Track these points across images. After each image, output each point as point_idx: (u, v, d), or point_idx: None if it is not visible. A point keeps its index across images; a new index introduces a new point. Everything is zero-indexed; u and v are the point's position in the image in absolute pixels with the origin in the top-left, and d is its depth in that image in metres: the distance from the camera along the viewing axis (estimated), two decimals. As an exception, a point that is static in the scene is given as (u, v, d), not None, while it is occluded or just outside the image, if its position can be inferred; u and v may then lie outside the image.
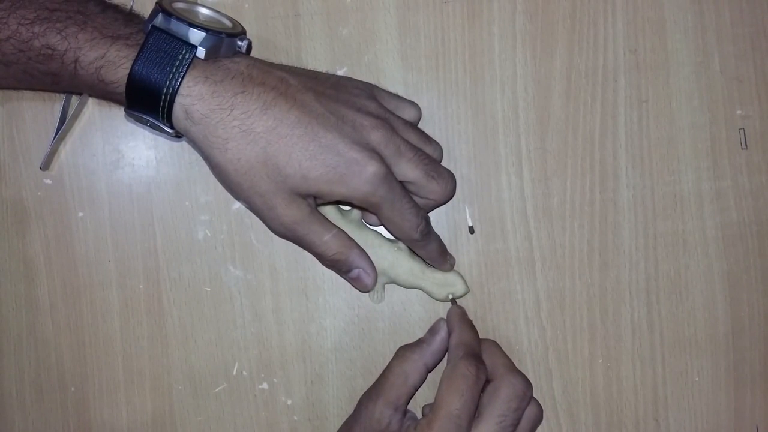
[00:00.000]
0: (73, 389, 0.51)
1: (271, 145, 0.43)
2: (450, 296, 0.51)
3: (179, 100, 0.42)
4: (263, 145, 0.43)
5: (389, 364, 0.48)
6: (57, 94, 0.50)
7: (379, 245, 0.50)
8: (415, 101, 0.52)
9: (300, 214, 0.45)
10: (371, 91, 0.48)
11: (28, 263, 0.51)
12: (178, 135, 0.45)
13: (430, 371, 0.48)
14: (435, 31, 0.52)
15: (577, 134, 0.53)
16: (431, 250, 0.49)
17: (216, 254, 0.51)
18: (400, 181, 0.46)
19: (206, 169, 0.51)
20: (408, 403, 0.47)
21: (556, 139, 0.53)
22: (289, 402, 0.51)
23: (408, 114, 0.50)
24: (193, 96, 0.42)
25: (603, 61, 0.53)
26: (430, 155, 0.48)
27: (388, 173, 0.44)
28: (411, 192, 0.47)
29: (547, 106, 0.53)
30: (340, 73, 0.52)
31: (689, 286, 0.53)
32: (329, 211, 0.50)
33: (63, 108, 0.50)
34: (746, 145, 0.53)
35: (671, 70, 0.53)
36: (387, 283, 0.51)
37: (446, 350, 0.48)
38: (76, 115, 0.51)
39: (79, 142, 0.51)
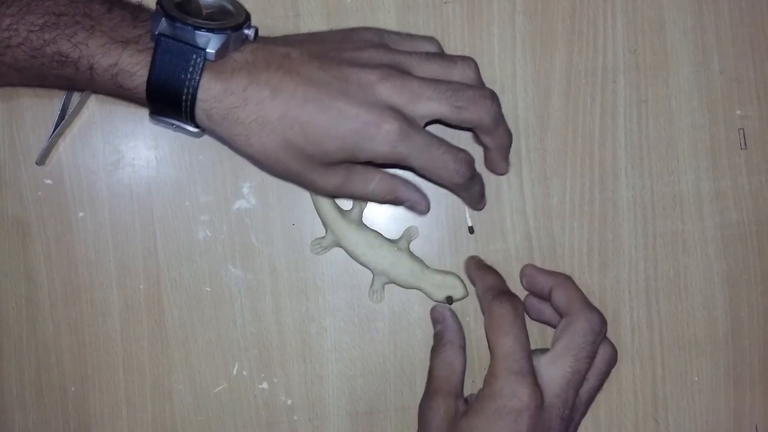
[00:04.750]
0: (73, 389, 0.51)
1: (288, 130, 0.43)
2: (448, 297, 0.51)
3: (199, 104, 0.43)
4: (281, 132, 0.43)
5: (430, 366, 0.49)
6: (58, 92, 0.50)
7: (379, 245, 0.50)
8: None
9: (338, 180, 0.46)
10: (380, 37, 0.47)
11: (28, 263, 0.51)
12: (203, 130, 0.45)
13: (464, 349, 0.49)
14: (435, 31, 0.52)
15: (576, 134, 0.53)
16: (473, 194, 0.50)
17: (216, 254, 0.51)
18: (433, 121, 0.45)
19: (206, 169, 0.51)
20: (463, 390, 0.48)
21: (555, 139, 0.53)
22: (289, 402, 0.52)
23: (425, 48, 0.48)
24: (210, 99, 0.43)
25: (603, 61, 0.53)
26: (455, 81, 0.46)
27: (405, 126, 0.43)
28: (451, 126, 0.47)
29: (546, 106, 0.53)
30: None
31: (688, 286, 0.53)
32: (328, 210, 0.50)
33: (63, 104, 0.50)
34: (745, 145, 0.53)
35: (671, 70, 0.53)
36: (387, 283, 0.51)
37: (461, 326, 0.50)
38: (77, 111, 0.50)
39: (79, 142, 0.51)
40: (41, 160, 0.51)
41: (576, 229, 0.53)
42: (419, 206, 0.50)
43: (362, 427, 0.52)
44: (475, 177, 0.47)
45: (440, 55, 0.47)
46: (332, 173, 0.46)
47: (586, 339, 0.46)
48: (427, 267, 0.51)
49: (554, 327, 0.49)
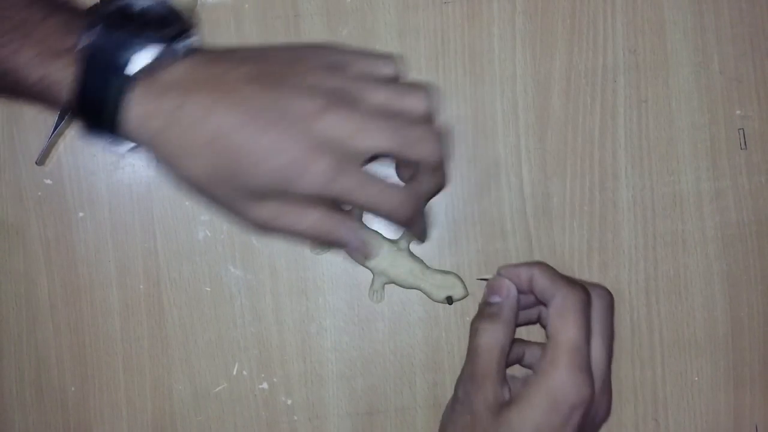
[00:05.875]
0: (73, 389, 0.51)
1: (215, 157, 0.41)
2: (448, 297, 0.51)
3: (126, 123, 0.41)
4: (208, 157, 0.41)
5: (475, 342, 0.45)
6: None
7: (378, 245, 0.50)
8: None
9: (267, 212, 0.43)
10: (332, 57, 0.44)
11: (28, 263, 0.51)
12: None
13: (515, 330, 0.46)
14: (435, 31, 0.52)
15: (576, 134, 0.53)
16: (414, 231, 0.48)
17: (216, 254, 0.51)
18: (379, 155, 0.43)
19: (206, 169, 0.51)
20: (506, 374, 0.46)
21: (555, 139, 0.53)
22: (289, 402, 0.52)
23: (382, 69, 0.45)
24: (137, 118, 0.40)
25: (603, 61, 0.53)
26: (403, 115, 0.43)
27: (339, 164, 0.41)
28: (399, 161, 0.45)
29: (546, 106, 0.53)
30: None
31: (688, 286, 0.53)
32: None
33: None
34: (745, 145, 0.53)
35: (671, 70, 0.53)
36: (387, 283, 0.51)
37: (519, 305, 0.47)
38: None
39: (79, 142, 0.51)
40: (41, 160, 0.51)
41: (576, 229, 0.53)
42: (362, 248, 0.48)
43: (362, 427, 0.52)
44: (417, 216, 0.45)
45: (393, 84, 0.44)
46: (263, 206, 0.43)
47: (606, 315, 0.46)
48: (427, 267, 0.51)
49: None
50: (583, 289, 0.45)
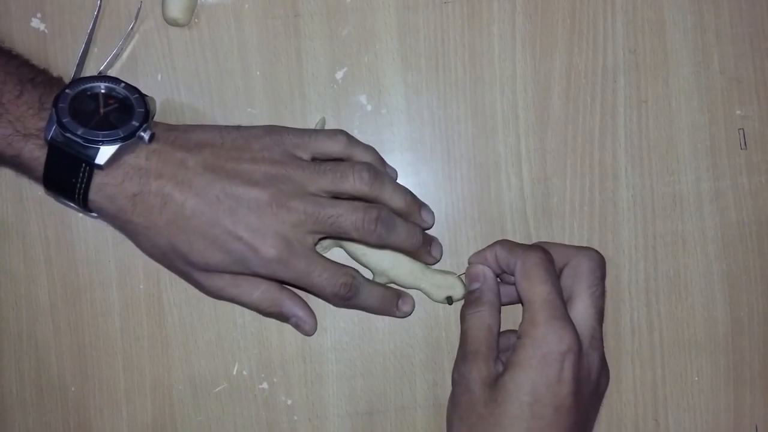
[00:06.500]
0: (73, 389, 0.51)
1: (174, 237, 0.45)
2: (448, 297, 0.51)
3: (91, 203, 0.45)
4: (167, 236, 0.45)
5: (464, 326, 0.47)
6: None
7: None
8: (415, 101, 0.52)
9: (222, 283, 0.48)
10: (281, 144, 0.47)
11: (28, 263, 0.51)
12: None
13: (500, 311, 0.48)
14: (435, 31, 0.52)
15: (576, 134, 0.53)
16: (368, 306, 0.50)
17: (216, 254, 0.51)
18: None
19: (206, 169, 0.51)
20: (498, 352, 0.47)
21: (555, 140, 0.53)
22: (289, 402, 0.52)
23: (331, 148, 0.48)
24: (99, 200, 0.45)
25: (602, 61, 0.53)
26: (352, 194, 0.47)
27: (285, 253, 0.45)
28: None
29: (546, 106, 0.53)
30: (339, 73, 0.52)
31: (688, 286, 0.53)
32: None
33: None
34: (745, 145, 0.53)
35: (671, 70, 0.53)
36: (387, 283, 0.51)
37: (499, 287, 0.49)
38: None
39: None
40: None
41: (576, 229, 0.53)
42: (304, 325, 0.50)
43: (362, 427, 0.52)
44: (359, 291, 0.48)
45: (333, 168, 0.47)
46: (217, 277, 0.47)
47: (595, 275, 0.46)
48: (427, 267, 0.51)
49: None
50: (540, 249, 0.46)
